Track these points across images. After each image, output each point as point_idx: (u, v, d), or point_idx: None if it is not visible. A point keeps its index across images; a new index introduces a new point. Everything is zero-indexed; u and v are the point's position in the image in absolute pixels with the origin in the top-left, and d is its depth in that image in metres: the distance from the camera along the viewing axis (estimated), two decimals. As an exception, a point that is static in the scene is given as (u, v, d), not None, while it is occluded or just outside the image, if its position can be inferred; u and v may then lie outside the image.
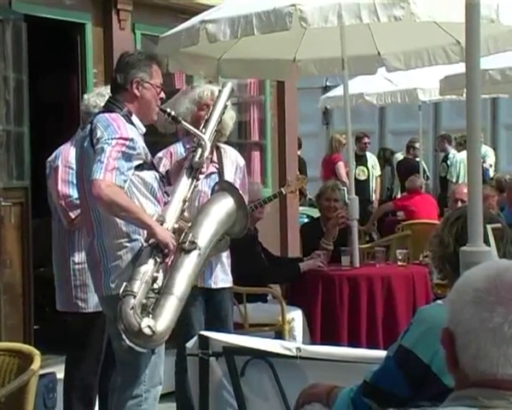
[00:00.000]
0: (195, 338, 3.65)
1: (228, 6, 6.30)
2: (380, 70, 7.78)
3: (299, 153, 10.94)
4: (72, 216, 4.99)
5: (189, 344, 3.68)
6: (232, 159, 5.40)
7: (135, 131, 4.24)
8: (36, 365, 3.57)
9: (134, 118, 4.29)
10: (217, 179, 5.21)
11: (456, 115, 14.77)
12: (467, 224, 3.06)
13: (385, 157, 14.16)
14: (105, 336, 4.87)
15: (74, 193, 4.80)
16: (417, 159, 13.01)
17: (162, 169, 4.81)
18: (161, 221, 4.18)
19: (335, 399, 3.07)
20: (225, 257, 5.37)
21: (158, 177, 4.33)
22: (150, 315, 4.01)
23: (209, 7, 6.70)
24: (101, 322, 4.79)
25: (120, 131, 4.14)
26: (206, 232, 4.33)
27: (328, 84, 16.10)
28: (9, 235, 6.27)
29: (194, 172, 4.40)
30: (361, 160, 12.99)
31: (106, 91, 4.84)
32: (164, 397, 5.76)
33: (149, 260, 4.09)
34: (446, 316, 1.84)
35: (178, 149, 5.28)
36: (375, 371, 2.96)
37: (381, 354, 3.17)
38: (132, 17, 7.43)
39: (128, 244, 4.19)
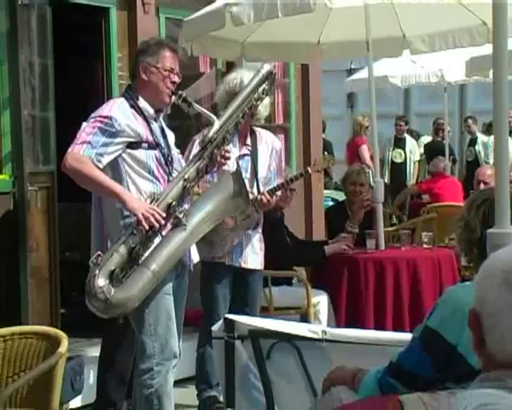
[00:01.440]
0: (221, 321, 3.66)
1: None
2: (404, 51, 7.73)
3: (323, 136, 10.92)
4: None
5: (215, 327, 3.69)
6: (268, 142, 5.50)
7: (129, 113, 4.36)
8: (63, 348, 3.60)
9: (141, 101, 4.43)
10: (249, 161, 5.26)
11: (483, 97, 14.67)
12: (493, 206, 3.04)
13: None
14: None
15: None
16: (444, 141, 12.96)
17: (194, 151, 4.87)
18: (153, 198, 4.25)
19: (361, 381, 3.08)
20: (257, 240, 5.43)
21: (158, 156, 4.40)
22: (118, 283, 4.11)
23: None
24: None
25: (101, 111, 4.37)
26: (196, 211, 4.36)
27: (352, 66, 16.03)
28: (36, 219, 6.31)
29: (201, 151, 4.43)
30: (399, 143, 12.97)
31: None
32: (185, 381, 5.82)
33: (127, 231, 4.20)
34: (473, 297, 1.84)
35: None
36: (401, 352, 2.96)
37: (406, 336, 3.16)
38: (156, 1, 7.42)
39: (121, 221, 4.31)
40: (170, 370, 4.37)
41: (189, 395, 5.64)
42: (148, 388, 4.33)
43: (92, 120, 4.33)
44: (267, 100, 5.34)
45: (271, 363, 3.58)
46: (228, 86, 5.33)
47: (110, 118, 4.32)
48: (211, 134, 4.42)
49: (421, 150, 13.58)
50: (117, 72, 7.17)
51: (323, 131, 11.63)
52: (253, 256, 5.40)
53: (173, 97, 4.47)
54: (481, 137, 13.56)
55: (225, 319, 3.64)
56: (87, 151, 4.25)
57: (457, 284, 3.18)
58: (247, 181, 5.18)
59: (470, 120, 13.92)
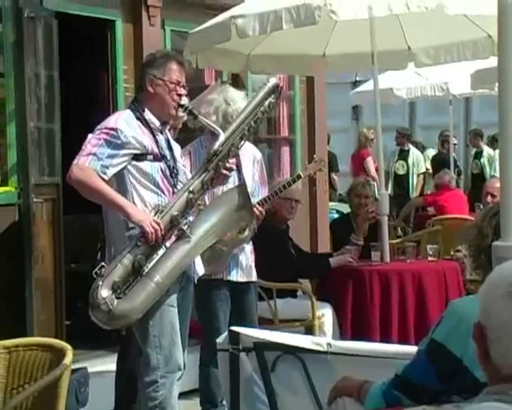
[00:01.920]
0: (226, 333, 3.66)
1: (257, 1, 6.29)
2: (410, 64, 7.74)
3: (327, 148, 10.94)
4: None
5: (220, 339, 3.68)
6: (249, 153, 5.49)
7: (134, 125, 4.37)
8: (68, 359, 3.59)
9: (147, 114, 4.43)
10: (235, 176, 5.27)
11: (488, 109, 14.66)
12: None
13: None
14: None
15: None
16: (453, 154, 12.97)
17: (186, 162, 4.96)
18: (158, 210, 4.26)
19: (366, 393, 3.07)
20: (250, 252, 5.41)
21: (163, 168, 4.40)
22: (122, 295, 4.11)
23: (238, 2, 6.70)
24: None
25: (107, 123, 4.38)
26: (201, 223, 4.36)
27: (357, 79, 16.05)
28: (41, 231, 6.32)
29: (206, 163, 4.43)
30: (402, 154, 12.98)
31: None
32: (189, 393, 5.81)
33: (132, 242, 4.21)
34: (478, 310, 1.84)
35: (196, 147, 5.35)
36: (407, 365, 2.96)
37: (412, 349, 3.15)
38: (162, 13, 7.45)
39: (126, 232, 4.31)
40: (174, 382, 4.36)
41: (194, 407, 5.62)
42: (153, 400, 4.32)
43: (98, 132, 4.34)
44: (242, 104, 5.35)
45: (276, 375, 3.57)
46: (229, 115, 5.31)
47: (116, 130, 4.32)
48: (216, 147, 4.43)
49: (428, 164, 13.58)
50: (122, 84, 7.20)
51: (328, 143, 11.65)
52: (249, 269, 5.42)
53: (179, 110, 4.48)
54: (487, 150, 13.56)
55: (230, 331, 3.63)
56: (92, 163, 4.26)
57: (463, 297, 3.18)
58: None
59: (476, 134, 13.91)
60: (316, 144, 9.22)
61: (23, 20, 6.23)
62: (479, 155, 13.60)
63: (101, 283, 4.10)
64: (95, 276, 4.13)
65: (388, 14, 5.78)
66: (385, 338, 5.84)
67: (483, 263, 3.02)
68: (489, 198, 7.17)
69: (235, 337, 3.58)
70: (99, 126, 4.38)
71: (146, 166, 4.36)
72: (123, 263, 4.15)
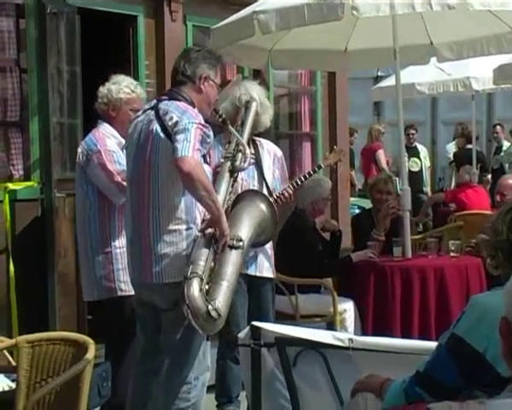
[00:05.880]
0: (247, 328, 3.66)
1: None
2: (432, 59, 7.71)
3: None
4: None
5: (241, 334, 3.69)
6: (270, 151, 5.50)
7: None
8: (90, 354, 3.61)
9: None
10: (255, 169, 5.28)
11: (511, 105, 14.59)
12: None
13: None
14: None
15: (124, 172, 4.83)
16: (477, 148, 12.93)
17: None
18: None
19: (386, 391, 3.07)
20: (269, 248, 5.41)
21: (210, 172, 4.38)
22: (213, 300, 4.00)
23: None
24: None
25: (199, 118, 4.18)
26: (248, 233, 4.35)
27: (379, 74, 16.00)
28: (64, 226, 6.35)
29: (235, 175, 4.43)
30: (412, 151, 12.95)
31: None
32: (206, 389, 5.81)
33: (210, 248, 4.08)
34: (504, 306, 1.83)
35: (216, 144, 5.28)
36: (428, 361, 2.95)
37: (433, 345, 3.15)
38: (184, 9, 7.46)
39: (184, 232, 4.19)
40: (205, 383, 4.34)
41: (209, 401, 5.60)
42: (186, 401, 4.27)
43: (196, 126, 4.10)
44: (271, 110, 5.40)
45: (298, 371, 3.57)
46: (237, 100, 5.29)
47: (208, 128, 4.18)
48: (243, 165, 4.43)
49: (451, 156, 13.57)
50: (144, 79, 7.22)
51: (351, 135, 11.71)
52: (267, 265, 5.40)
53: (213, 113, 4.45)
54: (506, 145, 13.50)
55: (252, 326, 3.64)
56: (198, 158, 4.09)
57: (484, 292, 3.17)
58: (256, 188, 5.25)
59: (498, 127, 13.86)
60: (337, 140, 9.20)
61: (46, 16, 6.27)
62: (499, 149, 13.54)
63: (203, 288, 3.96)
64: (188, 278, 3.96)
65: (410, 11, 5.76)
66: (406, 334, 5.83)
67: (501, 260, 3.01)
68: (498, 198, 7.09)
69: (256, 332, 3.59)
70: (192, 120, 4.11)
71: (206, 168, 4.25)
72: (210, 268, 4.05)
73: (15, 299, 6.02)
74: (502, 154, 13.31)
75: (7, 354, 4.33)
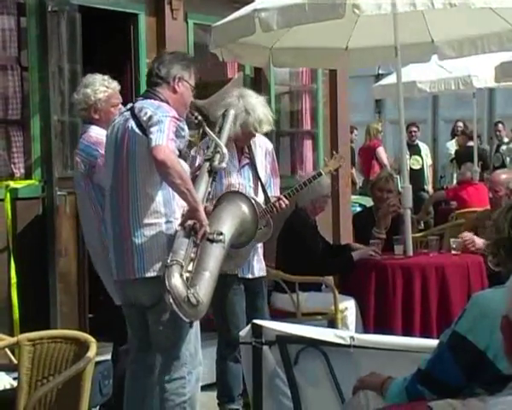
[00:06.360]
0: (248, 327, 3.67)
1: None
2: (433, 57, 7.71)
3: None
4: None
5: (243, 333, 3.70)
6: (261, 145, 5.50)
7: None
8: (92, 352, 3.61)
9: None
10: (249, 170, 5.28)
11: (512, 103, 14.59)
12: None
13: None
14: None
15: None
16: (482, 146, 12.94)
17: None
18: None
19: (389, 388, 3.07)
20: (260, 247, 5.47)
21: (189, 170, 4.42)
22: (193, 286, 4.06)
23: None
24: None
25: (173, 112, 4.26)
26: (228, 229, 4.39)
27: (380, 72, 16.00)
28: (65, 224, 6.35)
29: (213, 174, 4.45)
30: (414, 149, 12.95)
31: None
32: (206, 388, 5.81)
33: (190, 239, 4.15)
34: (502, 302, 1.83)
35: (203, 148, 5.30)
36: (429, 359, 2.96)
37: (434, 343, 3.15)
38: (185, 7, 7.45)
39: (164, 225, 4.26)
40: (199, 378, 4.36)
41: (211, 400, 5.61)
42: (181, 396, 4.31)
43: (169, 119, 4.20)
44: (262, 111, 5.33)
45: (299, 368, 3.58)
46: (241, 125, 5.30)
47: (182, 122, 4.28)
48: (222, 165, 4.43)
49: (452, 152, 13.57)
50: (145, 77, 7.20)
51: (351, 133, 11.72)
52: (259, 265, 5.46)
53: (189, 115, 4.50)
54: (506, 142, 13.52)
55: (253, 324, 3.64)
56: (173, 148, 4.17)
57: (485, 290, 3.17)
58: (251, 190, 5.28)
59: (500, 125, 13.86)
60: (338, 138, 9.19)
61: (47, 14, 6.27)
62: (500, 147, 13.54)
63: (183, 274, 4.02)
64: (168, 266, 4.04)
65: (412, 10, 5.76)
66: (407, 332, 5.83)
67: (502, 257, 3.01)
68: (490, 195, 7.06)
69: (258, 331, 3.59)
70: (165, 113, 4.20)
71: (183, 164, 4.30)
72: (190, 257, 4.10)
73: (17, 297, 6.02)
74: (503, 148, 13.31)
75: (8, 352, 4.34)
